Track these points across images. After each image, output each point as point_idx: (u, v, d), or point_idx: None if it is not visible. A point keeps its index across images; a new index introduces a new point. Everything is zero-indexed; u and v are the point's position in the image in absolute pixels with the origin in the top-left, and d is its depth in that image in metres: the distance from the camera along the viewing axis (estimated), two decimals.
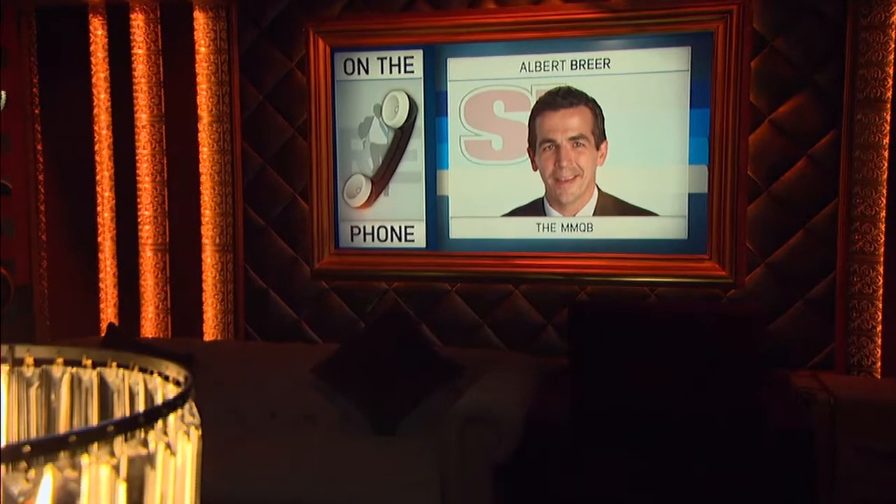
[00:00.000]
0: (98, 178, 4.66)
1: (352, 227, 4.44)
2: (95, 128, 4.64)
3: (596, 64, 4.11)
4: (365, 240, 4.43)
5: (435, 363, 3.98)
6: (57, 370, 0.94)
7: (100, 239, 4.70)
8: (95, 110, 4.63)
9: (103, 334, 4.50)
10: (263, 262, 4.56)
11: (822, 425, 3.35)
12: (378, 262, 4.41)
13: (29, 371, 0.94)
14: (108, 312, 4.72)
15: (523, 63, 4.17)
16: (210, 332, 4.59)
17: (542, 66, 4.16)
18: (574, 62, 4.13)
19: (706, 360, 3.72)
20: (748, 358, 3.71)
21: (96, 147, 4.65)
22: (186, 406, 0.75)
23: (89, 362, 0.92)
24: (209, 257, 4.55)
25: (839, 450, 3.34)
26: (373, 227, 4.42)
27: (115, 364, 0.91)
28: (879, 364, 3.79)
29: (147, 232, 4.61)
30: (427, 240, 4.36)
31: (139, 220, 4.61)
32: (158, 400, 0.86)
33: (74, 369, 0.93)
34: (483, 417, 3.34)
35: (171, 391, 0.85)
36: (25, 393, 0.95)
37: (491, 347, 4.29)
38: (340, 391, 4.01)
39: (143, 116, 4.56)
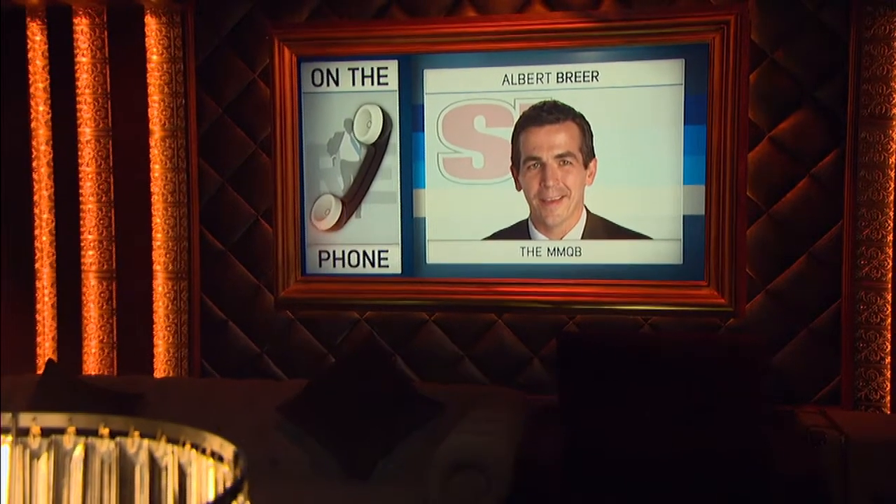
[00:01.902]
0: (36, 198, 4.57)
1: (320, 252, 4.41)
2: (34, 143, 4.55)
3: (584, 77, 4.14)
4: (335, 265, 4.40)
5: (412, 401, 3.95)
6: (68, 441, 0.89)
7: (37, 265, 4.60)
8: (34, 124, 4.54)
9: (41, 372, 4.39)
10: (222, 290, 4.50)
11: (833, 467, 3.38)
12: (349, 289, 4.37)
13: (35, 442, 0.89)
14: (46, 347, 4.62)
15: (506, 75, 4.19)
16: (161, 368, 4.50)
17: (526, 78, 4.18)
18: (560, 75, 4.16)
19: (705, 396, 3.74)
20: (750, 393, 3.75)
21: (34, 164, 4.56)
22: (245, 490, 0.72)
23: (107, 431, 0.88)
24: (161, 285, 4.48)
25: (852, 494, 3.37)
26: (343, 252, 4.39)
27: (137, 434, 0.87)
28: (889, 398, 3.85)
29: (91, 258, 4.53)
30: (402, 265, 4.34)
31: (82, 244, 4.53)
32: (193, 476, 0.82)
33: (89, 439, 0.88)
34: (470, 462, 3.32)
35: (209, 466, 0.81)
36: (30, 467, 0.90)
37: (473, 382, 4.28)
38: (309, 433, 3.95)
39: (87, 131, 4.48)
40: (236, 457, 0.80)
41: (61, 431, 0.91)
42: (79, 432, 0.90)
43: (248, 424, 4.01)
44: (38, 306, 4.61)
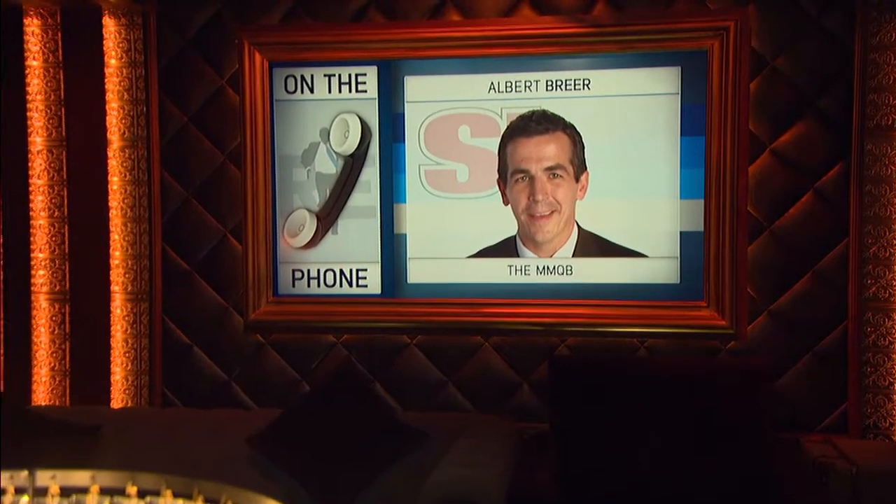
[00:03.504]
0: None
1: (293, 271, 4.41)
2: None
3: (574, 85, 4.18)
4: (309, 285, 4.40)
5: (394, 430, 3.93)
6: (91, 501, 0.85)
7: None
8: None
9: None
10: (186, 312, 4.49)
11: (843, 499, 3.40)
12: (324, 311, 4.38)
13: (54, 503, 0.86)
14: None
15: (492, 83, 4.22)
16: (119, 397, 4.47)
17: (514, 86, 4.21)
18: (550, 82, 4.19)
19: (705, 423, 3.75)
20: (753, 420, 3.76)
21: None
22: None
23: (135, 490, 0.84)
24: (119, 308, 4.45)
25: None
26: (318, 271, 4.39)
27: (170, 492, 0.84)
28: None
29: (42, 278, 4.50)
30: (382, 285, 4.35)
31: (32, 263, 4.50)
32: None
33: (115, 498, 0.85)
34: (459, 497, 3.30)
35: None
36: None
37: (458, 410, 4.28)
38: (281, 466, 3.90)
39: (38, 140, 4.46)
40: None
41: (84, 490, 0.88)
42: (103, 491, 0.87)
43: (215, 458, 3.94)
44: None
